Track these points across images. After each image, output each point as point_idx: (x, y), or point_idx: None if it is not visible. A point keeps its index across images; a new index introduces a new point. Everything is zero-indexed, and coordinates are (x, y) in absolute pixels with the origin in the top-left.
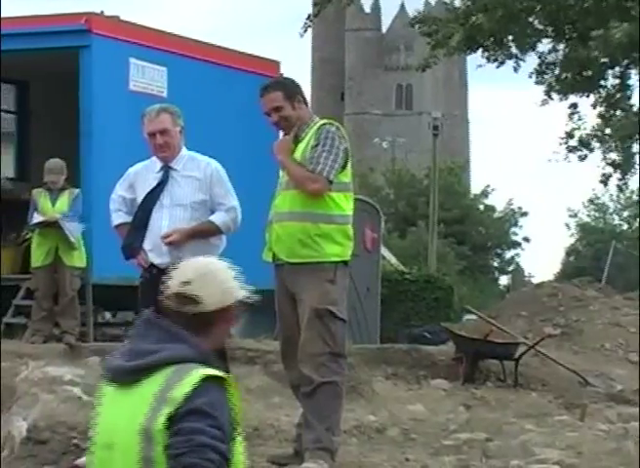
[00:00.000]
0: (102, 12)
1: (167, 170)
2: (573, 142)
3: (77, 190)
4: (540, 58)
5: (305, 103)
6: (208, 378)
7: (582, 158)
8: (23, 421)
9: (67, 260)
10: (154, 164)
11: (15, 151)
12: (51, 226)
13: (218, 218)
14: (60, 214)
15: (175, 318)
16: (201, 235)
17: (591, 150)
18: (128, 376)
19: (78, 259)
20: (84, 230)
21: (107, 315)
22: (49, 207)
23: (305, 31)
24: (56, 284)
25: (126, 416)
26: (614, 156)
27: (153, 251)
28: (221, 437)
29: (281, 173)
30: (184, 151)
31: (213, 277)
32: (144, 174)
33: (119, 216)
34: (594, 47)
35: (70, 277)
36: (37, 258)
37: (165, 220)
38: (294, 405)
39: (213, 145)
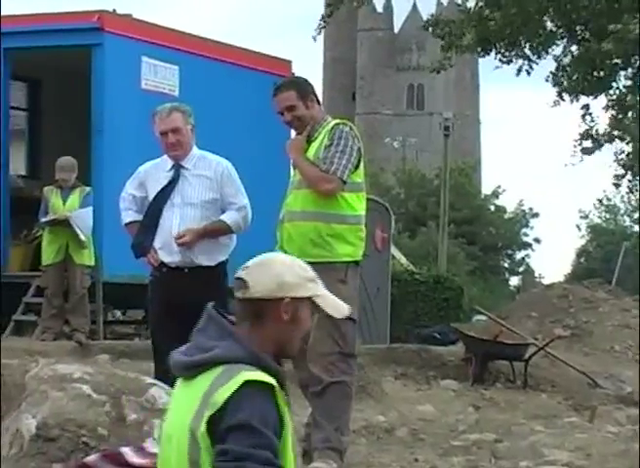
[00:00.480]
0: (115, 10)
1: (178, 168)
2: (587, 144)
3: (88, 188)
4: (556, 61)
5: (318, 103)
6: (251, 383)
7: (590, 152)
8: (33, 419)
9: (77, 258)
10: (165, 163)
11: (26, 149)
12: (61, 224)
13: (229, 217)
14: (70, 213)
15: (236, 305)
16: (212, 234)
17: (600, 147)
18: (184, 371)
19: (88, 258)
20: (94, 226)
21: (117, 313)
22: (60, 205)
23: (319, 33)
24: (66, 282)
25: (182, 411)
26: (625, 157)
27: (163, 249)
28: (271, 459)
29: (293, 172)
30: (195, 150)
31: (268, 266)
32: (155, 172)
33: (129, 215)
34: (608, 41)
35: (81, 275)
36: (48, 256)
37: (176, 219)
38: (302, 404)
39: (224, 144)
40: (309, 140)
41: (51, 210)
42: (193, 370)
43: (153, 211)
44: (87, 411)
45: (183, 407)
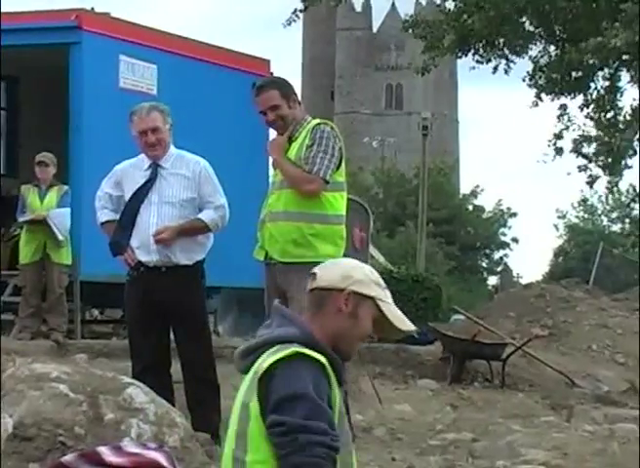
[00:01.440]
0: (93, 8)
1: (155, 167)
2: (560, 143)
3: (66, 187)
4: (533, 61)
5: (299, 103)
6: (301, 355)
7: (583, 169)
8: (9, 418)
9: (55, 257)
10: (142, 162)
11: (4, 147)
12: (39, 224)
13: (206, 216)
14: (46, 212)
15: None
16: (190, 232)
17: (586, 157)
18: (243, 359)
19: (66, 257)
20: (71, 225)
21: (95, 312)
22: (37, 203)
23: (289, 24)
24: (44, 280)
25: (239, 395)
26: (603, 158)
27: (141, 248)
28: (326, 430)
29: (273, 172)
30: (173, 149)
31: (339, 263)
32: (132, 171)
33: (105, 214)
34: (586, 51)
35: (58, 274)
36: (25, 255)
37: (153, 218)
38: None
39: (202, 143)
40: (290, 140)
41: (28, 208)
42: (250, 356)
43: (130, 209)
44: (64, 411)
45: (241, 391)
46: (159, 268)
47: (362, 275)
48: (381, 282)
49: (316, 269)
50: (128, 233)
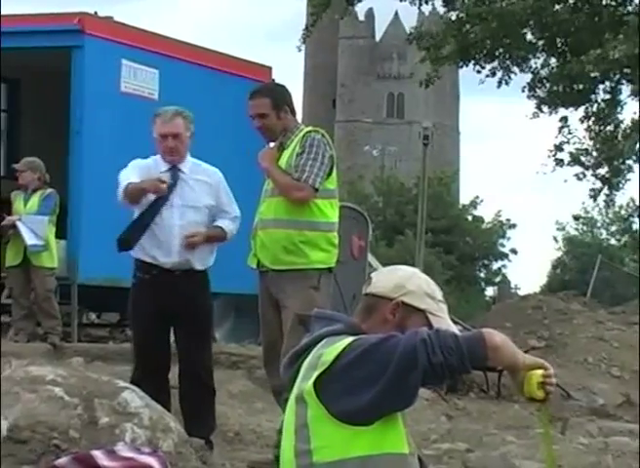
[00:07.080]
0: (96, 12)
1: (176, 171)
2: (561, 155)
3: (49, 190)
4: (533, 73)
5: (293, 113)
6: (359, 339)
7: (563, 163)
8: (4, 420)
9: (36, 261)
10: (158, 164)
11: (4, 149)
12: (14, 228)
13: (226, 226)
14: (17, 217)
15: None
16: (213, 240)
17: (586, 167)
18: (290, 367)
19: (48, 260)
20: (71, 229)
21: (92, 316)
22: (21, 207)
23: (304, 43)
24: (32, 283)
25: (290, 399)
26: (603, 171)
27: (161, 249)
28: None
29: (266, 180)
30: (188, 156)
31: (396, 271)
32: (154, 171)
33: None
34: (587, 62)
35: (42, 277)
36: (9, 258)
37: (177, 219)
38: (276, 410)
39: (202, 149)
40: (281, 149)
41: (14, 213)
42: (298, 361)
43: (152, 209)
44: (59, 414)
45: (293, 392)
46: (172, 272)
47: (415, 286)
48: (438, 294)
49: (373, 274)
50: (143, 232)
